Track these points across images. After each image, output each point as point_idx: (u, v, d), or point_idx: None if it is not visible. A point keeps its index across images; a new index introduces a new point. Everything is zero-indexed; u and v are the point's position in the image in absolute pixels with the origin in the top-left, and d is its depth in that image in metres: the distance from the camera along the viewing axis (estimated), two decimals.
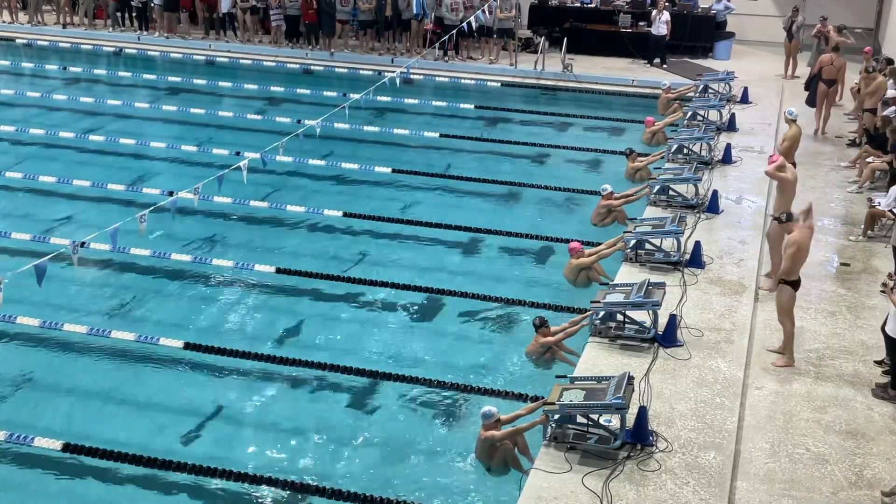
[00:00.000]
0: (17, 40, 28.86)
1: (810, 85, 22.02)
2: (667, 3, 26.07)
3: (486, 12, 25.27)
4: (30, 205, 17.12)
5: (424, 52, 25.38)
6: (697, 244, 14.22)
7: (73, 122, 21.58)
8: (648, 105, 22.87)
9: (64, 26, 29.35)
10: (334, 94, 23.00)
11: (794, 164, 15.80)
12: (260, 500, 9.88)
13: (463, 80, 25.18)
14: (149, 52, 27.59)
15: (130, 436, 10.83)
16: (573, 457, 9.77)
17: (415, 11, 26.31)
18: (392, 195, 17.94)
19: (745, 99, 22.83)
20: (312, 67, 26.41)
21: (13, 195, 17.54)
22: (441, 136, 20.93)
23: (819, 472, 9.81)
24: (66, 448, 10.32)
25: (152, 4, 28.69)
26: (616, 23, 27.41)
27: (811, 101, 21.61)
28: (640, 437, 9.96)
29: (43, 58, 27.36)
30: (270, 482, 9.97)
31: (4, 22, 29.75)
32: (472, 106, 23.43)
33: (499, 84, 25.05)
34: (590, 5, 28.55)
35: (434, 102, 23.79)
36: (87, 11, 29.44)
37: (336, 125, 18.35)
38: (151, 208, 12.96)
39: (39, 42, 28.64)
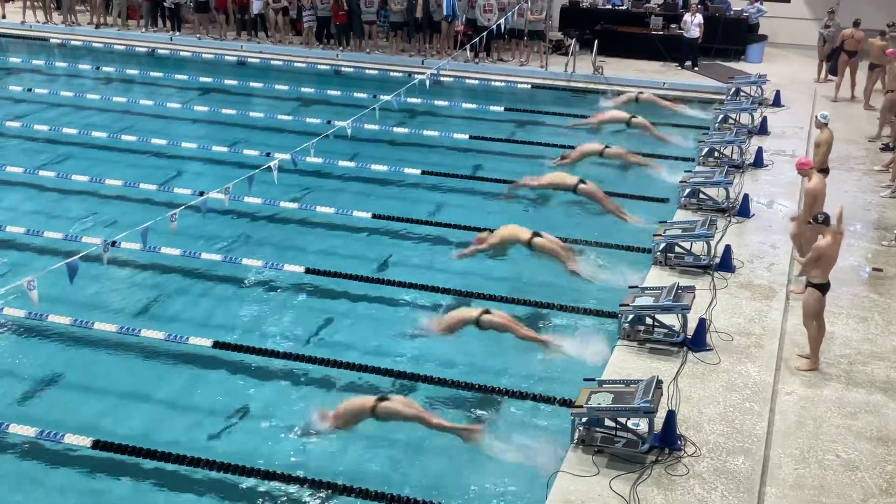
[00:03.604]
0: (52, 40, 29.16)
1: (832, 56, 24.47)
2: (699, 6, 25.95)
3: (517, 15, 25.25)
4: (62, 203, 17.28)
5: (455, 53, 25.39)
6: (728, 248, 14.13)
7: (106, 122, 21.74)
8: (678, 108, 22.79)
9: (97, 26, 29.63)
10: (364, 95, 23.04)
11: (827, 170, 15.68)
12: (287, 499, 9.90)
13: (493, 82, 25.16)
14: (181, 53, 27.78)
15: (159, 433, 10.90)
16: (601, 460, 9.75)
17: (445, 13, 26.32)
18: (421, 197, 17.95)
19: (777, 102, 22.69)
20: (343, 68, 26.49)
21: (46, 194, 17.70)
22: (471, 137, 20.93)
23: (849, 479, 9.72)
24: (96, 445, 10.40)
25: (186, 3, 28.93)
26: (647, 25, 27.31)
27: (833, 70, 24.32)
28: (668, 441, 9.92)
29: (76, 58, 27.61)
30: (298, 481, 10.00)
31: (39, 22, 30.05)
32: (503, 108, 23.39)
33: (529, 86, 25.03)
34: (621, 7, 28.47)
35: (464, 104, 23.78)
36: (121, 12, 29.70)
37: (366, 126, 18.39)
38: (182, 208, 13.04)
39: (73, 42, 28.92)
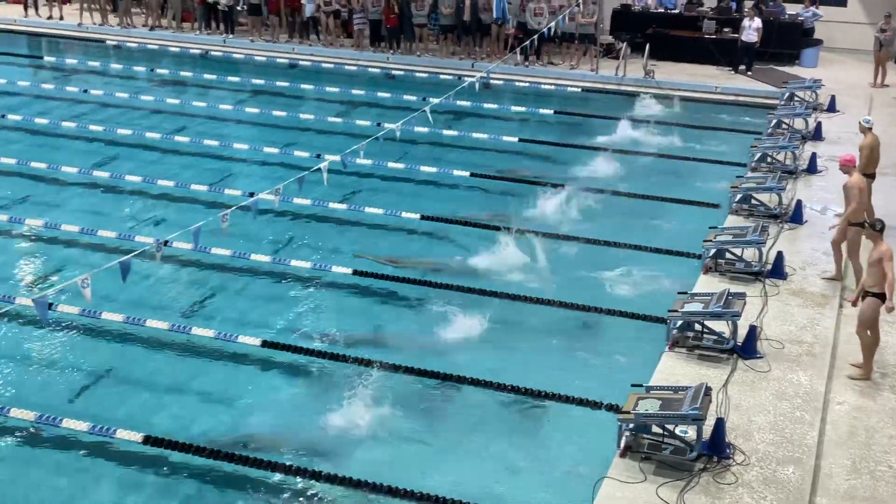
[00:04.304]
0: (107, 42, 29.61)
1: None
2: (754, 11, 25.72)
3: (567, 18, 25.21)
4: (116, 203, 17.52)
5: (505, 56, 25.40)
6: (780, 254, 13.97)
7: (159, 123, 22.04)
8: (731, 112, 22.60)
9: (152, 28, 30.04)
10: (415, 97, 23.11)
11: (874, 175, 15.41)
12: (333, 500, 9.93)
13: (543, 86, 25.12)
14: (234, 55, 28.08)
15: (208, 430, 10.98)
16: (648, 467, 9.67)
17: (495, 16, 26.36)
18: (470, 198, 17.95)
19: (832, 107, 22.40)
20: (394, 71, 26.59)
21: (100, 193, 17.96)
22: (520, 140, 20.90)
23: None
24: (147, 440, 10.52)
25: (238, 8, 29.26)
26: (700, 29, 27.09)
27: None
28: (716, 449, 9.82)
29: (131, 59, 28.01)
30: (345, 482, 10.01)
31: (95, 24, 30.52)
32: (552, 111, 23.34)
33: (579, 90, 24.94)
34: (673, 11, 28.29)
35: (514, 107, 23.76)
36: (175, 14, 30.08)
37: (416, 129, 18.42)
38: (233, 208, 13.16)
39: (128, 44, 29.36)
